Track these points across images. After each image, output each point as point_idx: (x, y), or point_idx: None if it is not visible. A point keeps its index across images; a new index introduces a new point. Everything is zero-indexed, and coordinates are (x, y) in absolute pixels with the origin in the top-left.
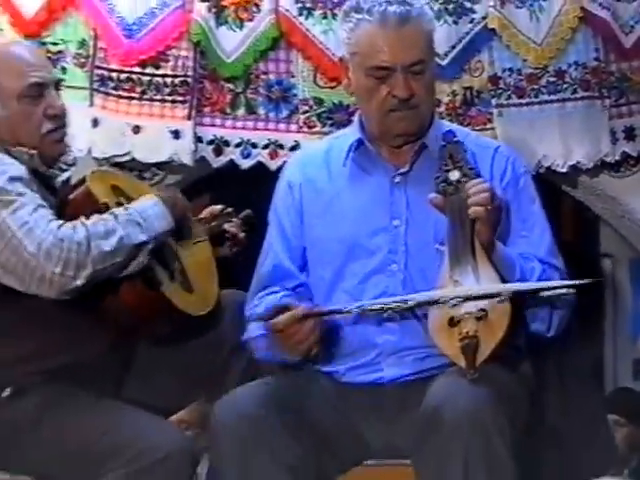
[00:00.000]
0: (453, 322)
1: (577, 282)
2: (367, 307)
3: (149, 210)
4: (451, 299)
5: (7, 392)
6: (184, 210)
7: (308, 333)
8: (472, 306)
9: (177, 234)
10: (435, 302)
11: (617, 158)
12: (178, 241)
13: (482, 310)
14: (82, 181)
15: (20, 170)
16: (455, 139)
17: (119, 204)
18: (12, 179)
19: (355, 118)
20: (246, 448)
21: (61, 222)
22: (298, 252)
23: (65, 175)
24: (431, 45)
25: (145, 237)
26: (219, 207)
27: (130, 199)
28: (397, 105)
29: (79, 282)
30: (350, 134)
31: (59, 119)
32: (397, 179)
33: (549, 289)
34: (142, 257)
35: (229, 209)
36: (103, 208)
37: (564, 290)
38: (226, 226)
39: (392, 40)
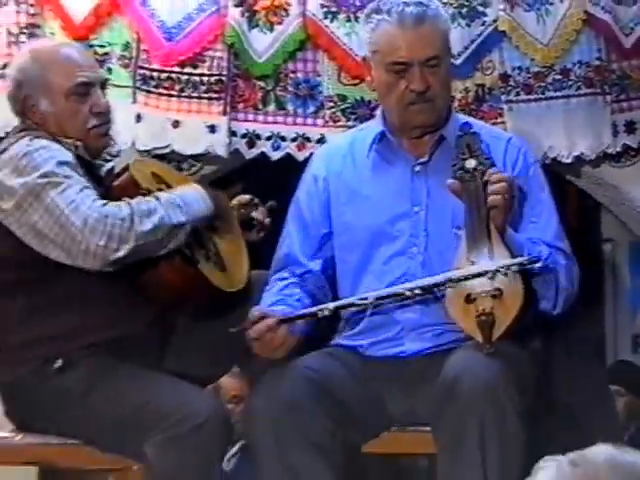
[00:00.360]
0: (469, 299)
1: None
2: (340, 304)
3: (189, 195)
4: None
5: (58, 364)
6: (226, 204)
7: (282, 339)
8: (488, 285)
9: (217, 223)
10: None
11: (618, 149)
12: (217, 232)
13: (498, 289)
14: (124, 169)
15: (67, 156)
16: (472, 130)
17: (160, 190)
18: (60, 163)
19: (378, 112)
20: (280, 431)
21: (105, 201)
22: (314, 241)
23: (109, 165)
24: (446, 43)
25: (184, 219)
26: (247, 197)
27: (168, 185)
28: (415, 98)
29: (121, 254)
30: (373, 127)
31: (104, 116)
32: (417, 168)
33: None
34: (180, 237)
35: (256, 199)
36: (145, 193)
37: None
38: (254, 214)
39: (409, 38)
